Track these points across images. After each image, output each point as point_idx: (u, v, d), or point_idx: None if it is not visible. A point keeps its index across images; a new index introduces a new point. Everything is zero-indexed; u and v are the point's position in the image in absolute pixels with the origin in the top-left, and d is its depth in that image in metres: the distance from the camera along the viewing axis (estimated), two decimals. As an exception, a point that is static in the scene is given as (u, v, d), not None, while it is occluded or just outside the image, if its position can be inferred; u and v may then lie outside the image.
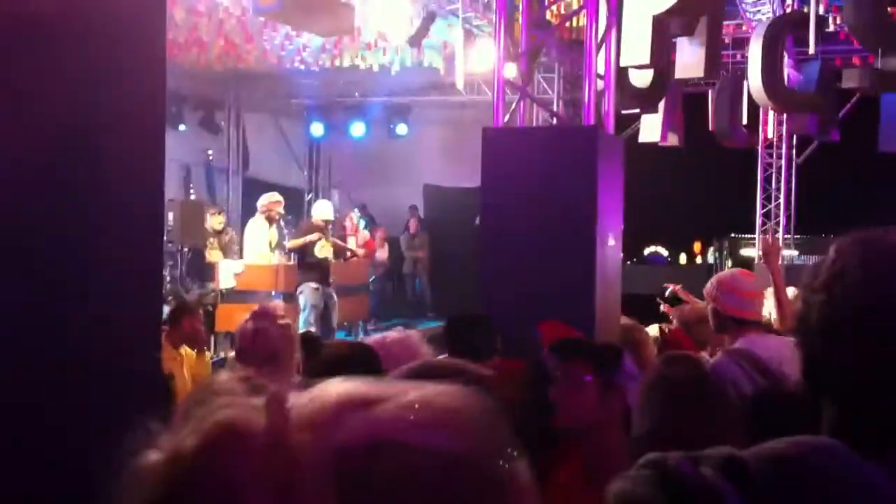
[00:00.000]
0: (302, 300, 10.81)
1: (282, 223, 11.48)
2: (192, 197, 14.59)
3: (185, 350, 6.64)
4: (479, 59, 11.60)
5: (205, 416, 0.65)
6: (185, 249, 11.94)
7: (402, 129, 17.68)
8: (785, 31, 11.37)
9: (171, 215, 10.97)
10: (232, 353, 4.48)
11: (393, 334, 3.56)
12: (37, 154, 1.88)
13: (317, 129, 18.32)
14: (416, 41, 11.49)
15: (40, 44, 1.88)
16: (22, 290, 1.80)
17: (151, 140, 2.21)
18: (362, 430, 0.64)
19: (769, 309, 5.36)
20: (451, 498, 0.64)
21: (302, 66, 13.64)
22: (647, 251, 21.05)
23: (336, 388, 0.68)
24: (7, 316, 1.77)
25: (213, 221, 12.36)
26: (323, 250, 11.06)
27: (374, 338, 3.63)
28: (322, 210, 11.71)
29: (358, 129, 17.92)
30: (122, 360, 2.02)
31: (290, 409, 0.65)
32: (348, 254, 12.75)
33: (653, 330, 5.45)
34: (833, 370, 1.09)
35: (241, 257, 11.48)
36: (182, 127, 14.87)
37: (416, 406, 0.66)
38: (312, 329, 10.25)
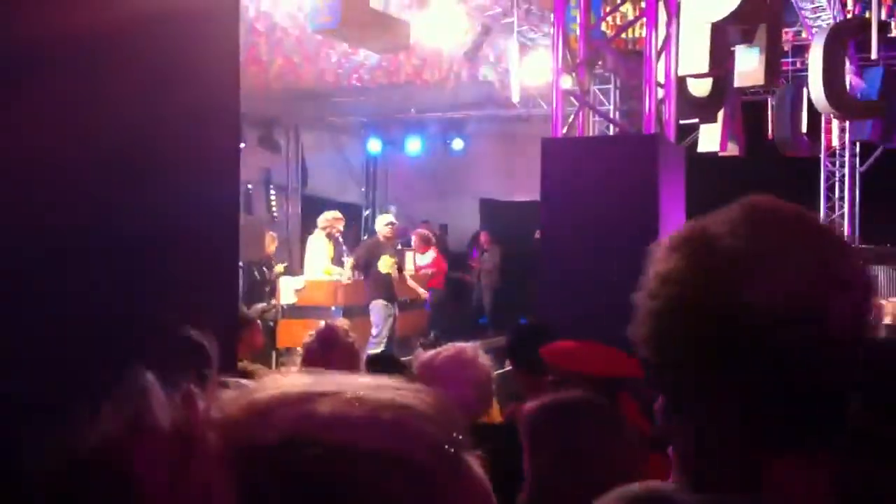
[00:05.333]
0: (374, 317, 10.86)
1: (339, 238, 11.57)
2: (252, 215, 14.77)
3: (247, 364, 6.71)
4: (535, 71, 11.60)
5: (118, 413, 0.62)
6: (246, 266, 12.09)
7: (457, 143, 17.74)
8: (846, 37, 11.20)
9: (232, 232, 11.12)
10: (295, 369, 4.48)
11: (444, 353, 3.44)
12: (113, 173, 1.91)
13: (374, 145, 18.46)
14: (471, 55, 11.52)
15: (112, 66, 1.92)
16: (95, 308, 1.83)
17: (228, 159, 2.24)
18: (280, 427, 0.61)
19: None
20: (374, 496, 0.60)
21: (359, 84, 13.75)
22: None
23: (277, 383, 0.65)
24: (81, 337, 1.79)
25: (271, 249, 12.55)
26: (387, 266, 11.12)
27: (424, 357, 3.50)
28: (384, 221, 11.79)
29: (414, 144, 18.03)
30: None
31: (204, 406, 0.62)
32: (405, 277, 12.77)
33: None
34: (672, 390, 1.04)
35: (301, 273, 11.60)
36: (241, 145, 15.06)
37: (352, 402, 0.63)
38: (383, 346, 10.29)
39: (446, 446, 0.64)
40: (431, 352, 3.47)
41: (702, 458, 1.01)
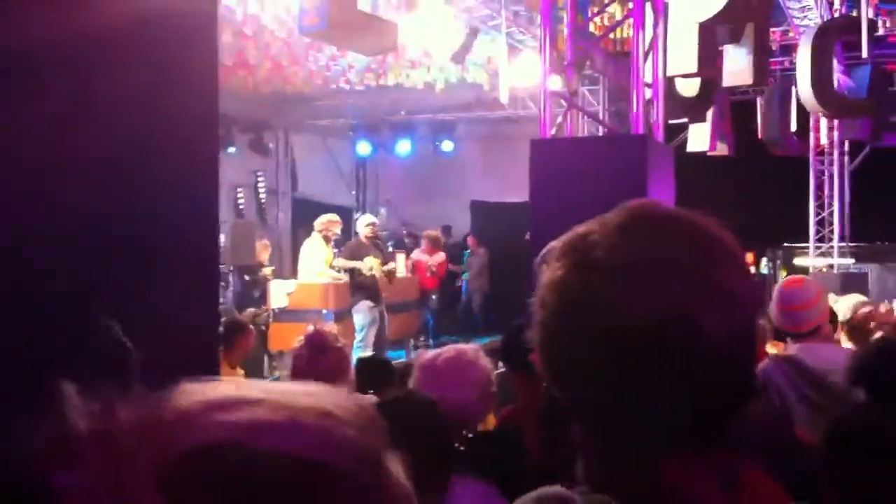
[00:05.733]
0: (358, 320, 10.82)
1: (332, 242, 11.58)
2: (242, 218, 14.75)
3: (240, 371, 6.69)
4: (523, 73, 11.61)
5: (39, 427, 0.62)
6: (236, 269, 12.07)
7: (447, 145, 17.76)
8: (834, 36, 11.23)
9: (222, 237, 11.11)
10: (286, 373, 4.47)
11: (445, 355, 3.44)
12: (92, 177, 1.89)
13: (363, 147, 18.46)
14: (459, 57, 11.52)
15: (95, 71, 1.90)
16: (76, 312, 1.81)
17: (206, 163, 2.22)
18: (203, 433, 0.61)
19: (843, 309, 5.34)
20: (296, 501, 0.60)
21: (347, 86, 13.74)
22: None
23: (202, 390, 0.65)
24: (61, 339, 1.77)
25: (262, 255, 12.52)
26: (372, 268, 11.09)
27: (425, 357, 3.50)
28: (364, 222, 11.78)
29: (404, 146, 18.05)
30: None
31: (126, 413, 0.62)
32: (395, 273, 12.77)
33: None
34: (563, 395, 1.03)
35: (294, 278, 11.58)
36: (231, 149, 15.06)
37: (275, 409, 0.63)
38: (369, 350, 10.26)
39: (367, 451, 0.65)
40: (432, 353, 3.47)
41: (600, 462, 1.02)
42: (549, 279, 1.02)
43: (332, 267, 11.10)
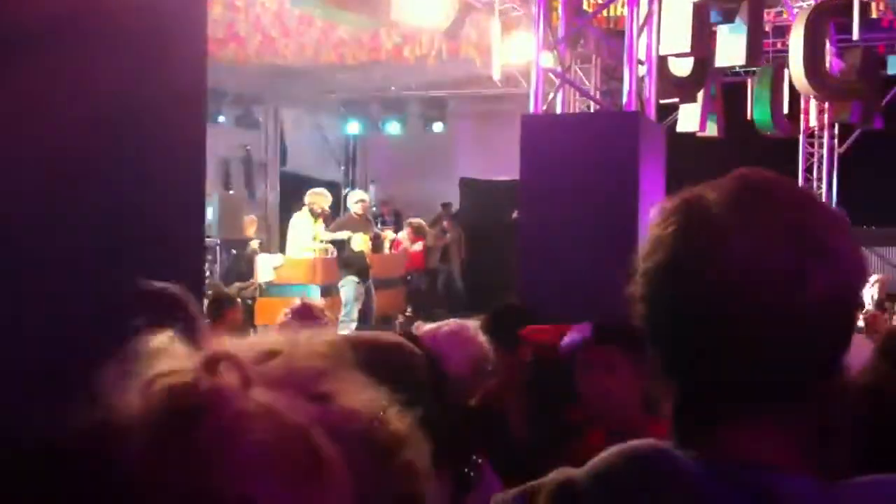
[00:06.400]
0: (344, 295, 10.81)
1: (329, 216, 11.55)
2: (231, 192, 14.68)
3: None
4: (516, 50, 11.54)
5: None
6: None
7: (438, 122, 17.66)
8: (827, 19, 11.20)
9: (210, 210, 11.04)
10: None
11: (447, 328, 3.48)
12: (75, 150, 1.87)
13: (353, 124, 18.36)
14: (452, 33, 11.44)
15: (80, 39, 1.87)
16: (60, 288, 1.79)
17: (193, 134, 2.20)
18: None
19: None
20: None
21: (338, 61, 13.65)
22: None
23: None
24: (45, 315, 1.75)
25: (249, 230, 12.47)
26: (361, 244, 11.06)
27: (426, 329, 3.53)
28: (355, 198, 11.74)
29: (394, 123, 17.94)
30: None
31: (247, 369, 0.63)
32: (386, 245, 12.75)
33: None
34: (659, 344, 1.07)
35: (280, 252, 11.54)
36: (220, 120, 14.97)
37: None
38: (354, 324, 10.26)
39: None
40: (433, 325, 3.52)
41: (690, 420, 1.05)
42: (660, 234, 1.06)
43: (319, 241, 11.08)
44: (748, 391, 1.01)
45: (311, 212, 11.06)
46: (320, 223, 11.15)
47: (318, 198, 11.15)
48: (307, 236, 11.04)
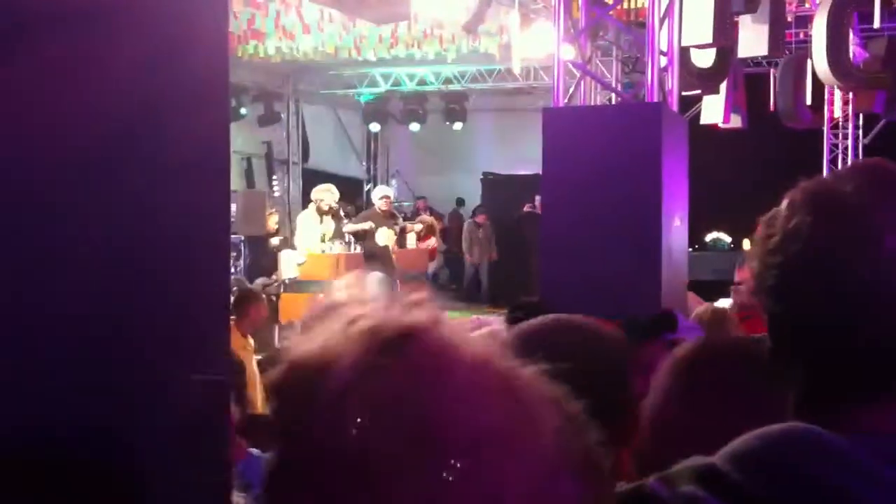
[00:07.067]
0: (368, 290, 10.81)
1: (341, 213, 11.50)
2: (253, 188, 14.73)
3: (250, 340, 6.69)
4: (536, 43, 11.50)
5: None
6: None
7: (458, 116, 17.62)
8: (849, 8, 11.09)
9: (233, 206, 11.07)
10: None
11: (470, 323, 3.46)
12: (99, 146, 1.87)
13: (374, 119, 18.37)
14: (471, 27, 11.42)
15: (103, 33, 1.88)
16: (85, 283, 1.80)
17: (217, 131, 2.20)
18: None
19: None
20: None
21: (359, 57, 13.67)
22: (708, 237, 20.72)
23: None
24: (71, 315, 1.76)
25: (269, 222, 12.46)
26: (386, 238, 11.06)
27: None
28: (379, 194, 11.74)
29: (414, 117, 17.93)
30: (193, 352, 2.00)
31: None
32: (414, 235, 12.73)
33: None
34: (797, 333, 1.08)
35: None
36: (243, 117, 15.02)
37: None
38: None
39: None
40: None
41: (816, 403, 1.07)
42: (794, 226, 1.07)
43: (340, 235, 11.06)
44: (874, 379, 1.03)
45: (318, 209, 10.98)
46: (328, 221, 11.07)
47: (325, 194, 11.03)
48: (314, 235, 10.96)
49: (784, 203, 1.11)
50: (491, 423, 0.62)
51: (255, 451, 2.52)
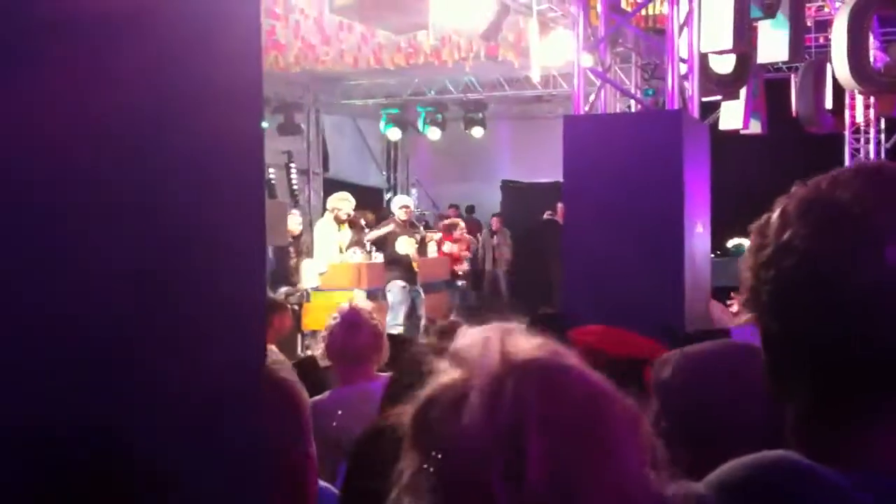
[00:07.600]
0: (390, 298, 10.82)
1: (362, 222, 11.51)
2: (275, 199, 14.76)
3: (274, 349, 6.72)
4: (555, 51, 11.51)
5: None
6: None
7: (477, 124, 17.64)
8: (870, 11, 11.04)
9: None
10: (319, 351, 4.49)
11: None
12: (133, 157, 1.89)
13: (394, 128, 18.42)
14: (490, 36, 11.45)
15: (139, 45, 1.90)
16: (117, 293, 1.81)
17: (251, 141, 2.22)
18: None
19: None
20: None
21: (378, 66, 13.72)
22: (730, 243, 20.63)
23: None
24: (103, 324, 1.78)
25: (292, 223, 12.48)
26: (406, 247, 11.07)
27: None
28: (399, 203, 11.75)
29: (434, 126, 17.97)
30: (227, 363, 2.02)
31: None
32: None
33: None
34: (795, 350, 1.01)
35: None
36: (264, 128, 15.09)
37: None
38: (401, 328, 10.28)
39: None
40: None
41: (820, 430, 1.01)
42: (786, 240, 1.01)
43: (360, 244, 11.06)
44: (880, 397, 0.97)
45: (336, 218, 10.98)
46: (345, 230, 11.06)
47: (343, 203, 11.03)
48: (332, 244, 10.96)
49: (776, 211, 1.05)
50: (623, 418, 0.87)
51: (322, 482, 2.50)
